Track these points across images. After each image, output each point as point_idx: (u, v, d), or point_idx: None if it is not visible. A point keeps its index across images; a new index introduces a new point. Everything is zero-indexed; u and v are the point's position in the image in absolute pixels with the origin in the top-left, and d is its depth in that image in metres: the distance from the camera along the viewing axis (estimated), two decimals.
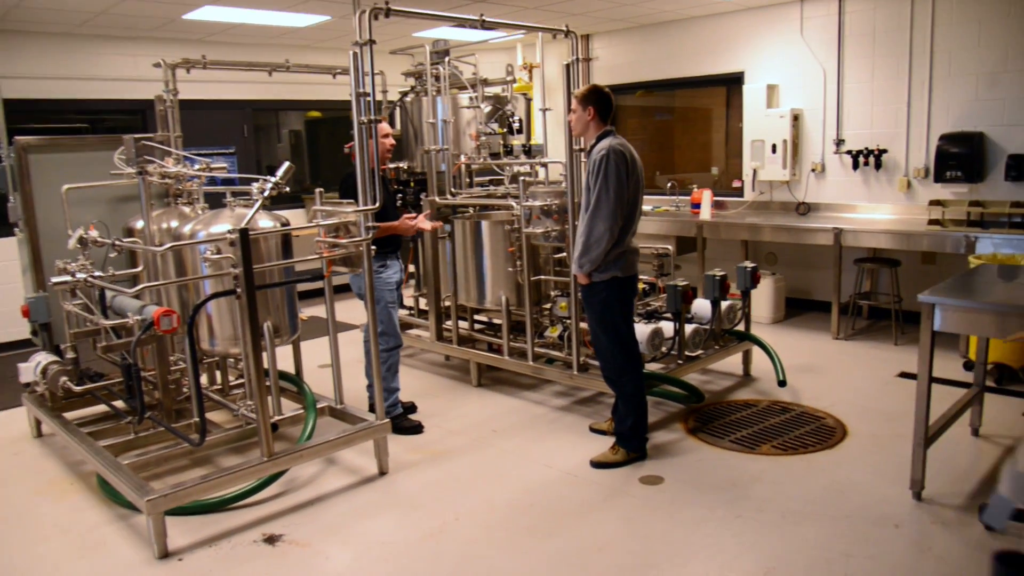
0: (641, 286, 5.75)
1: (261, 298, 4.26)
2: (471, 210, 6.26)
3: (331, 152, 11.10)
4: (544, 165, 5.65)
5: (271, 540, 3.79)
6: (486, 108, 6.14)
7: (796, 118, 7.78)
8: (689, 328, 5.39)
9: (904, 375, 5.89)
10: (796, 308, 8.00)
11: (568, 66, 4.92)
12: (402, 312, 6.87)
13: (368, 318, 4.38)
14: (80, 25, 7.44)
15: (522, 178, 5.30)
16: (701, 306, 5.61)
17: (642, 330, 5.04)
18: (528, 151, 5.87)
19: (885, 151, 7.27)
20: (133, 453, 4.46)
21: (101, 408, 5.07)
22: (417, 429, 5.10)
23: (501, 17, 5.93)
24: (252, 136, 9.52)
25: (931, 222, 6.55)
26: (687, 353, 5.38)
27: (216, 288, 4.19)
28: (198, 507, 3.98)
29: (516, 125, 6.16)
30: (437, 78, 6.05)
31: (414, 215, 5.23)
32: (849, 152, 7.47)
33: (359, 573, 3.50)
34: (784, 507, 3.89)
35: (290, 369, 5.12)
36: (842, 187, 7.66)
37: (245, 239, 3.78)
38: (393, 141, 5.20)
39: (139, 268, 4.71)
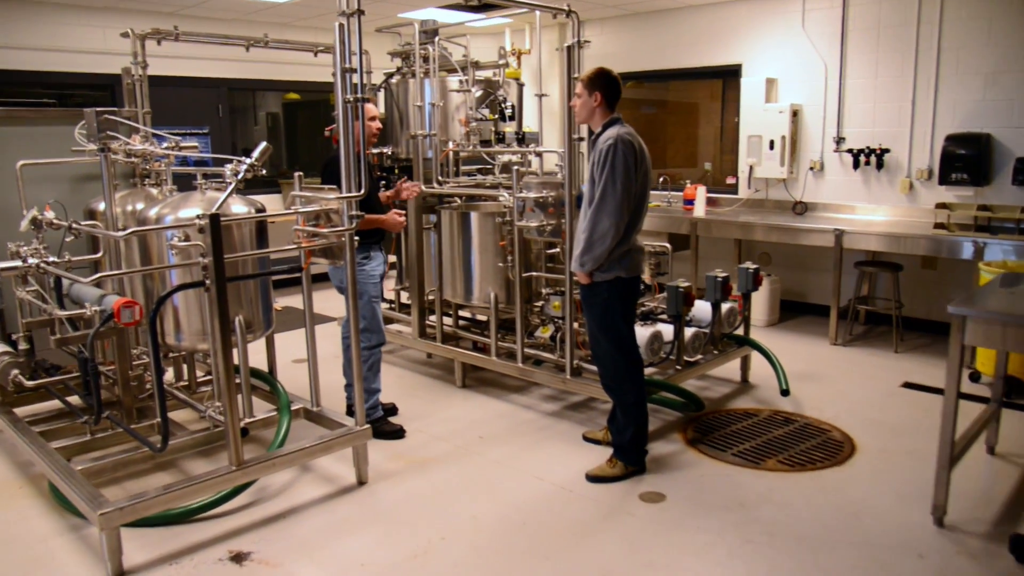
0: None
1: (232, 290, 3.91)
2: (458, 200, 5.92)
3: (309, 136, 10.68)
4: (539, 154, 5.32)
5: (238, 558, 3.44)
6: (477, 92, 5.79)
7: (795, 114, 7.51)
8: (688, 332, 5.10)
9: (909, 385, 5.65)
10: (790, 311, 7.75)
11: (569, 48, 4.59)
12: (383, 306, 6.52)
13: (349, 314, 4.03)
14: None
15: (515, 167, 4.96)
16: (700, 309, 5.32)
17: (641, 333, 4.74)
18: (521, 139, 5.53)
19: (887, 151, 7.02)
20: (90, 456, 4.09)
21: (57, 404, 4.67)
22: (399, 434, 4.77)
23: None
24: (227, 117, 9.08)
25: (937, 226, 6.31)
26: (686, 358, 5.09)
27: (183, 279, 3.83)
28: (159, 518, 3.61)
29: (508, 111, 5.81)
30: (426, 59, 5.69)
31: (403, 212, 4.89)
32: (850, 151, 7.22)
33: None
34: (797, 531, 3.61)
35: (263, 365, 4.76)
36: (841, 187, 7.40)
37: (216, 226, 3.41)
38: (380, 125, 4.84)
39: (100, 254, 4.31)
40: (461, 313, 6.19)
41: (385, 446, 4.61)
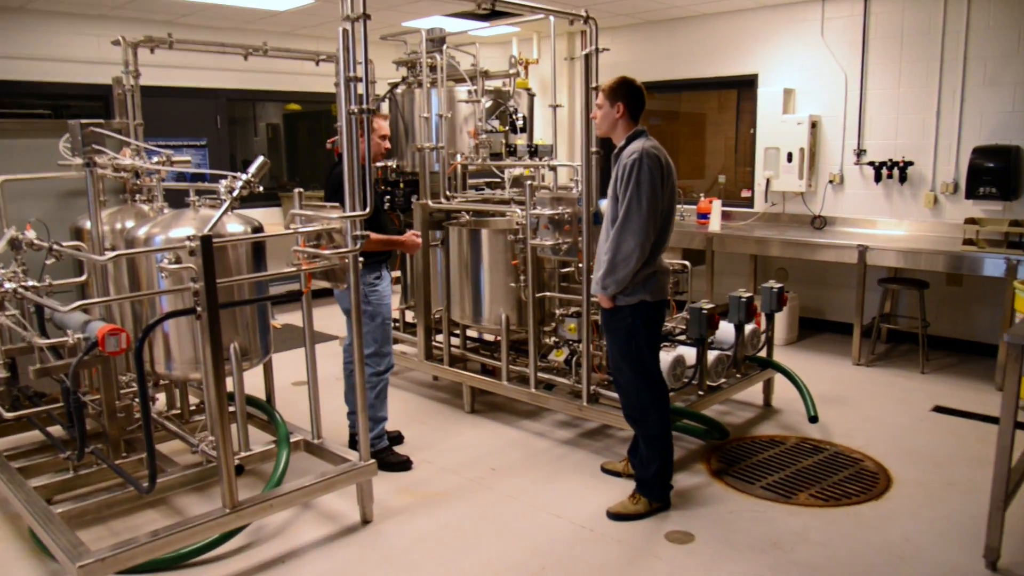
0: None
1: (227, 316, 3.64)
2: (466, 216, 5.65)
3: (311, 148, 10.44)
4: (553, 168, 5.05)
5: None
6: (486, 103, 5.52)
7: (814, 125, 7.25)
8: (711, 355, 4.82)
9: (939, 409, 5.36)
10: (809, 329, 7.46)
11: (588, 56, 4.32)
12: None
13: (353, 341, 3.75)
14: None
15: (529, 182, 4.69)
16: (723, 330, 5.03)
17: (664, 358, 4.44)
18: (534, 152, 5.27)
19: (911, 163, 6.75)
20: (75, 494, 3.80)
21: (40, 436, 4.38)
22: (405, 465, 4.48)
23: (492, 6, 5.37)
24: (226, 128, 8.83)
25: (966, 241, 6.03)
26: (708, 383, 4.81)
27: (175, 304, 3.55)
28: (145, 567, 3.32)
29: (519, 123, 5.55)
30: (433, 68, 5.43)
31: (419, 232, 4.64)
32: (871, 163, 6.95)
33: None
34: None
35: (260, 390, 4.47)
36: (862, 200, 7.13)
37: (208, 248, 3.14)
38: (388, 145, 4.58)
39: (84, 277, 4.03)
40: (469, 333, 5.90)
41: (391, 479, 4.32)
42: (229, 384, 3.71)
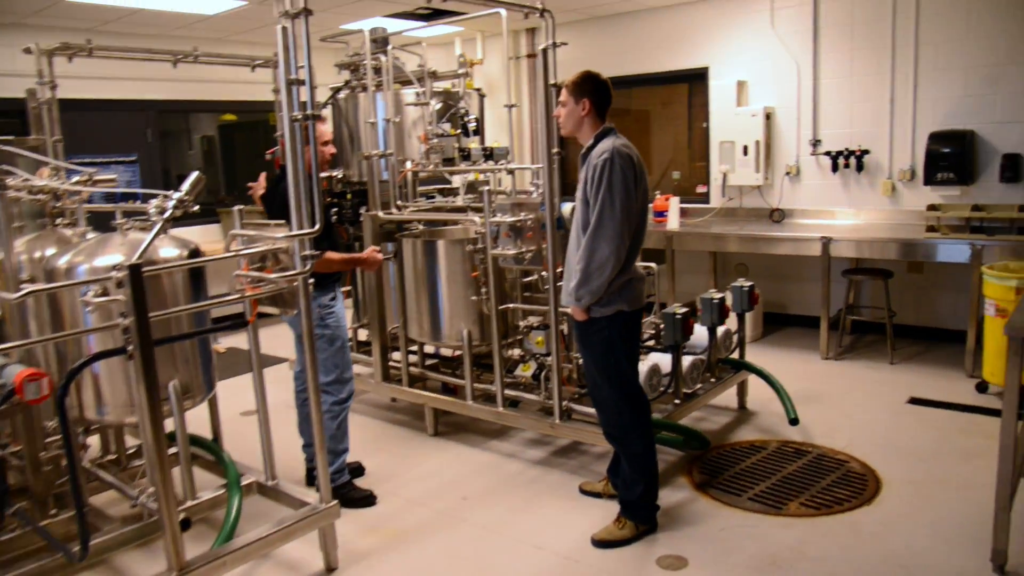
0: None
1: (165, 352, 3.28)
2: (420, 226, 5.34)
3: (249, 159, 9.97)
4: (511, 172, 4.78)
5: None
6: (436, 105, 5.22)
7: (768, 117, 7.12)
8: (686, 361, 4.60)
9: (915, 401, 5.24)
10: (772, 324, 7.33)
11: (545, 51, 4.06)
12: None
13: (307, 367, 3.41)
14: None
15: (486, 188, 4.40)
16: (696, 334, 4.81)
17: (640, 369, 4.20)
18: (490, 155, 4.99)
19: (867, 152, 6.66)
20: None
21: None
22: (369, 500, 4.15)
23: (439, 4, 5.11)
24: (157, 142, 8.33)
25: (929, 228, 5.94)
26: (684, 390, 4.58)
27: (104, 342, 3.17)
28: None
29: (472, 125, 5.26)
30: (377, 70, 5.11)
31: (379, 248, 4.32)
32: (827, 153, 6.85)
33: None
34: None
35: (205, 426, 4.09)
36: (819, 191, 7.03)
37: (137, 278, 2.78)
38: (333, 149, 4.24)
39: None
40: (428, 349, 5.58)
41: (355, 517, 3.98)
42: (171, 424, 3.36)
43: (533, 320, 4.73)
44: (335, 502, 3.49)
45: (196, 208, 3.26)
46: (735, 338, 5.14)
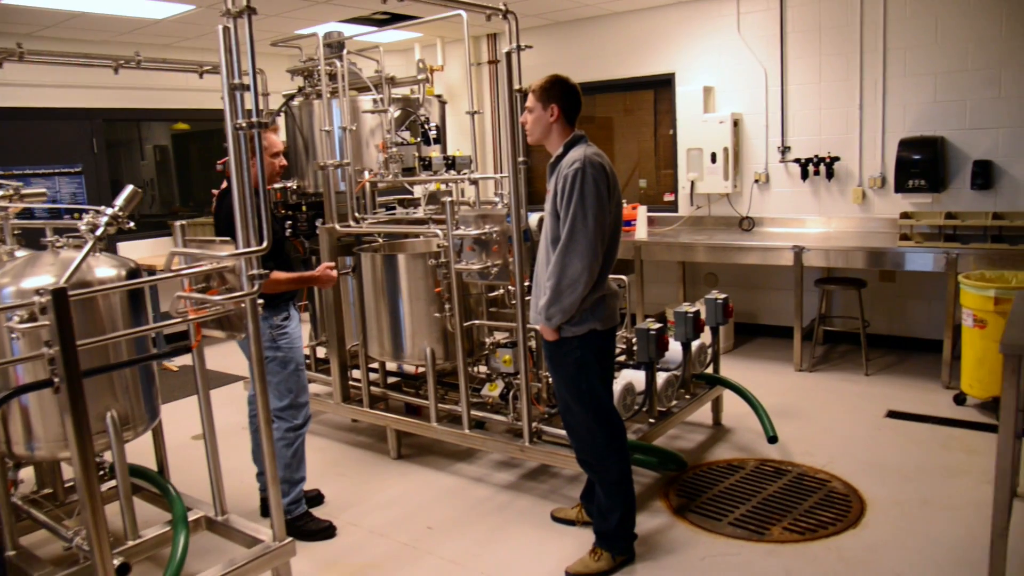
0: None
1: (103, 380, 3.02)
2: (379, 239, 5.10)
3: (203, 169, 9.63)
4: (474, 182, 4.56)
5: None
6: (395, 113, 4.98)
7: (736, 123, 6.99)
8: (660, 378, 4.41)
9: (893, 414, 5.11)
10: (744, 334, 7.20)
11: (508, 55, 3.85)
12: None
13: (257, 393, 3.14)
14: None
15: (448, 199, 4.18)
16: (672, 349, 4.63)
17: (613, 388, 4.00)
18: (451, 164, 4.76)
19: (837, 159, 6.56)
20: None
21: None
22: (328, 532, 3.88)
23: (396, 8, 4.87)
24: (103, 152, 7.97)
25: (902, 237, 5.84)
26: (659, 408, 4.39)
27: (36, 371, 2.89)
28: None
29: (432, 133, 5.03)
30: (332, 76, 4.86)
31: (333, 264, 4.06)
32: (796, 160, 6.73)
33: None
34: None
35: (149, 455, 3.78)
36: (788, 199, 6.91)
37: (62, 303, 2.50)
38: (284, 162, 3.97)
39: None
40: (390, 366, 5.33)
41: (312, 551, 3.72)
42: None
43: (500, 337, 4.52)
44: (290, 540, 3.23)
45: (131, 224, 2.99)
46: (709, 352, 4.97)
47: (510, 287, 4.15)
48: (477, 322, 4.50)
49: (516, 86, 3.84)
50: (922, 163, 5.97)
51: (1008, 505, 2.97)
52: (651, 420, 4.32)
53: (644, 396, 4.28)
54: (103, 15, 6.35)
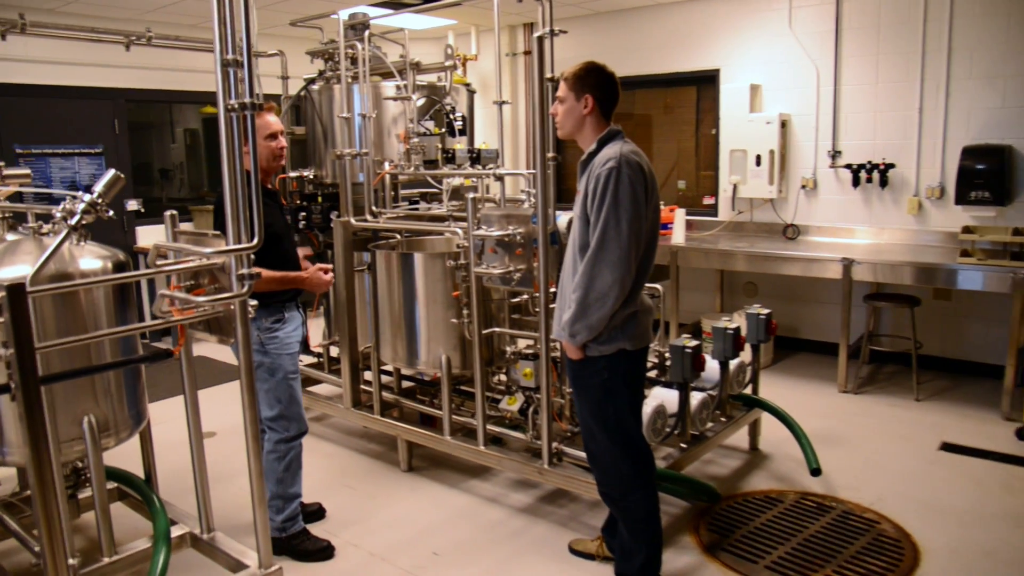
0: None
1: (80, 383, 2.76)
2: (398, 236, 4.78)
3: None
4: (500, 178, 4.22)
5: None
6: (419, 101, 4.66)
7: (784, 125, 6.57)
8: (695, 399, 4.04)
9: (948, 447, 4.69)
10: (784, 349, 6.77)
11: (541, 40, 3.50)
12: (307, 361, 5.33)
13: (245, 410, 2.85)
14: None
15: (471, 195, 3.85)
16: (708, 367, 4.25)
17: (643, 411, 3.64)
18: (476, 158, 4.42)
19: (892, 166, 6.11)
20: None
21: None
22: (325, 553, 3.57)
23: None
24: (125, 133, 7.75)
25: (963, 253, 5.39)
26: (692, 432, 4.02)
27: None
28: None
29: (458, 124, 4.70)
30: (354, 60, 4.55)
31: (329, 266, 3.73)
32: (848, 166, 6.29)
33: None
34: None
35: (136, 457, 3.51)
36: (837, 207, 6.48)
37: (19, 301, 2.21)
38: (284, 143, 3.61)
39: None
40: (404, 371, 5.01)
41: (306, 573, 3.42)
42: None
43: (522, 345, 4.18)
44: (277, 567, 2.92)
45: (110, 213, 2.70)
46: (749, 371, 4.58)
47: (535, 294, 3.81)
48: (497, 330, 4.16)
49: (548, 75, 3.48)
50: (986, 173, 5.52)
51: None
52: (683, 445, 3.96)
53: (676, 419, 3.92)
54: None
